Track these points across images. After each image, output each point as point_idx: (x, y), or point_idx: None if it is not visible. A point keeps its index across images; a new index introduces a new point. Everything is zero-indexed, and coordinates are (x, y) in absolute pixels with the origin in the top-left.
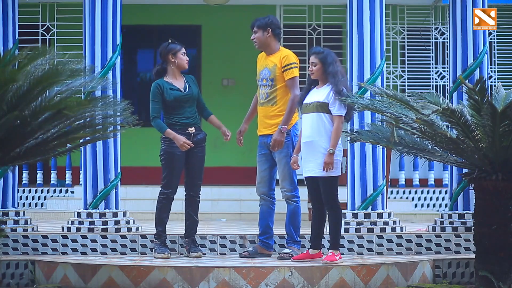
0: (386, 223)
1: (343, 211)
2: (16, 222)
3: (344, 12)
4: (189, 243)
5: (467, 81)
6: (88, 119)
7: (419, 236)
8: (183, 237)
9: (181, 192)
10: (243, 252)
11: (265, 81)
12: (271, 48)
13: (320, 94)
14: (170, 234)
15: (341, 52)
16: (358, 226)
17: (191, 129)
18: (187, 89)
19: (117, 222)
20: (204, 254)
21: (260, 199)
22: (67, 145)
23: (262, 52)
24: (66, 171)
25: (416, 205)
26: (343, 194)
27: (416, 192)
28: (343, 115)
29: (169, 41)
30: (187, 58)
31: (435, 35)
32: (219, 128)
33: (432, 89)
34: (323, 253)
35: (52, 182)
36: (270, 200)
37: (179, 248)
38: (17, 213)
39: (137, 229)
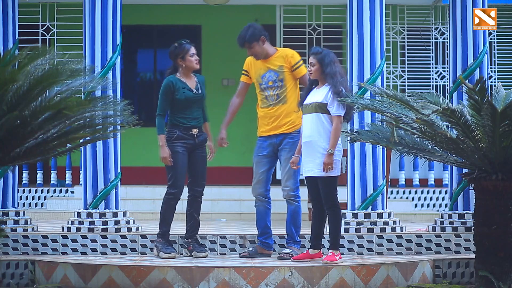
0: (386, 223)
1: (343, 211)
2: (16, 222)
3: (344, 12)
4: (192, 244)
5: (467, 81)
6: (88, 119)
7: (419, 236)
8: (183, 237)
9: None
10: (243, 252)
11: (271, 83)
12: (268, 52)
13: (319, 94)
14: (170, 234)
15: (341, 52)
16: (358, 226)
17: (195, 130)
18: (199, 90)
19: (117, 222)
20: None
21: (256, 200)
22: (67, 145)
23: (251, 56)
24: (66, 171)
25: (416, 205)
26: (343, 194)
27: (416, 192)
28: (342, 115)
29: (176, 44)
30: (197, 58)
31: (435, 35)
32: (208, 139)
33: (432, 89)
34: (323, 253)
35: (52, 182)
36: (266, 200)
37: (179, 248)
38: (17, 213)
39: (137, 229)
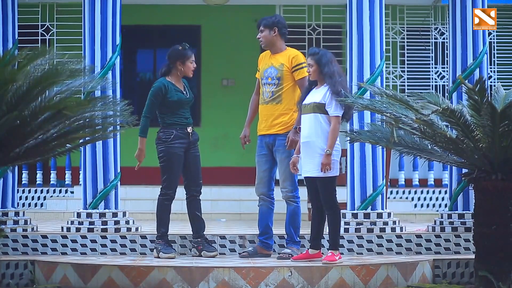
0: (385, 223)
1: (342, 211)
2: (16, 222)
3: (344, 12)
4: (201, 243)
5: (466, 81)
6: (87, 119)
7: (418, 236)
8: (187, 238)
9: (179, 192)
10: (243, 252)
11: (270, 79)
12: (277, 47)
13: (317, 95)
14: (170, 234)
15: (341, 52)
16: (357, 226)
17: (189, 129)
18: (187, 94)
19: (116, 222)
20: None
21: (259, 200)
22: (67, 145)
23: (264, 51)
24: (66, 171)
25: (415, 205)
26: (342, 194)
27: (415, 192)
28: (340, 115)
29: (180, 47)
30: (194, 66)
31: (434, 35)
32: None
33: (432, 89)
34: (322, 253)
35: (51, 182)
36: (270, 200)
37: (178, 248)
38: (16, 213)
39: (136, 229)
